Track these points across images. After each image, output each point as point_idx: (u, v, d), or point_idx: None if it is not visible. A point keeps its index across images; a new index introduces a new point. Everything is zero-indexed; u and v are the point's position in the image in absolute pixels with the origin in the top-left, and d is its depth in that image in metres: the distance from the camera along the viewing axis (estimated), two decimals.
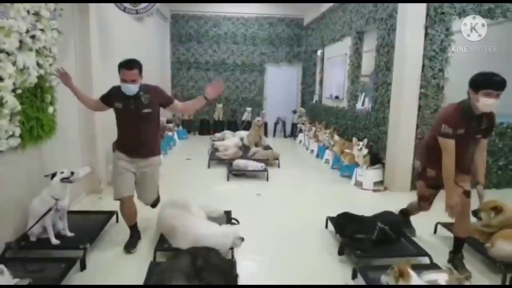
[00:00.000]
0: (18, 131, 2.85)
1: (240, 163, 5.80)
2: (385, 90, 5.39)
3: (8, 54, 2.64)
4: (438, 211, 3.06)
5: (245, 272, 2.74)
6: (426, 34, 4.73)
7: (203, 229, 2.95)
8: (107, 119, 3.08)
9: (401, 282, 2.09)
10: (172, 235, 2.98)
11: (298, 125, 9.33)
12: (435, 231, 3.58)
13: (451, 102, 2.82)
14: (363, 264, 2.74)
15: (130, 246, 3.10)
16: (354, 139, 5.43)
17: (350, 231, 3.08)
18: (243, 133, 8.11)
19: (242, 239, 2.94)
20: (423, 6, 4.69)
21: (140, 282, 2.47)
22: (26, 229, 2.80)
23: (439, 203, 2.92)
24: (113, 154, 3.21)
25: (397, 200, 4.29)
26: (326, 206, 4.13)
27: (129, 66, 2.83)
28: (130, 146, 3.04)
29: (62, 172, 2.87)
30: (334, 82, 8.17)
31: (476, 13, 4.64)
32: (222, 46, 10.40)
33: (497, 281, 2.70)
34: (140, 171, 3.08)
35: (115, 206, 3.20)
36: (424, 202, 3.20)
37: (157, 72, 8.71)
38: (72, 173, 2.90)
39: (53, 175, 2.87)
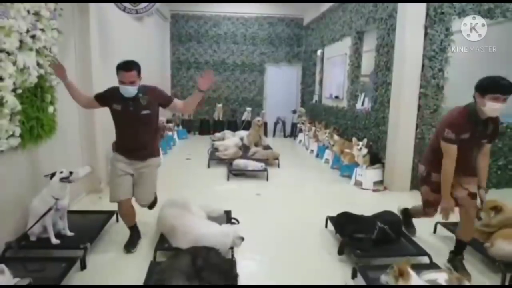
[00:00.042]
0: (18, 131, 2.85)
1: (240, 163, 5.80)
2: (385, 90, 5.40)
3: (8, 53, 2.65)
4: (437, 211, 3.06)
5: (245, 271, 2.74)
6: (426, 34, 4.73)
7: (203, 229, 2.96)
8: (107, 119, 3.07)
9: (400, 282, 2.09)
10: (172, 234, 2.98)
11: (298, 125, 9.34)
12: (434, 231, 3.58)
13: (457, 105, 2.75)
14: (362, 264, 2.74)
15: (130, 245, 3.10)
16: (354, 139, 5.44)
17: (350, 230, 3.08)
18: (243, 133, 8.11)
19: (242, 239, 2.94)
20: (423, 6, 4.69)
21: (140, 281, 2.47)
22: (26, 228, 2.81)
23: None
24: (111, 155, 3.18)
25: (396, 199, 4.30)
26: (326, 206, 4.14)
27: (128, 67, 2.78)
28: (129, 148, 3.00)
29: (61, 172, 2.87)
30: (334, 82, 8.18)
31: (475, 13, 4.64)
32: (222, 46, 10.40)
33: (496, 280, 2.71)
34: (138, 171, 3.05)
35: (115, 205, 3.20)
36: (430, 208, 3.11)
37: (157, 72, 8.71)
38: (71, 172, 2.89)
39: (52, 175, 2.87)
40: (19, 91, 2.82)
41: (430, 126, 4.88)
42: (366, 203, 4.48)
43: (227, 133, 8.39)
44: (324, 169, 6.46)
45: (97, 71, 4.42)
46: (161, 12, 9.00)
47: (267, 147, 7.36)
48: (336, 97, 7.89)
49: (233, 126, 9.85)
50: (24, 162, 3.11)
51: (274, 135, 10.28)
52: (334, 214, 3.48)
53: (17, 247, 2.73)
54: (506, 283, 2.62)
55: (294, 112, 10.12)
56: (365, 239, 2.97)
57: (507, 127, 5.07)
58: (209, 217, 3.41)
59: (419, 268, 2.42)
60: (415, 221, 3.55)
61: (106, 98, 2.97)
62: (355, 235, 3.02)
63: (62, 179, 2.86)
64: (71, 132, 4.13)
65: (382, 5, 5.54)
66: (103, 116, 2.99)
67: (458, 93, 5.03)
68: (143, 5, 6.08)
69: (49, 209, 2.78)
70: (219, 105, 10.13)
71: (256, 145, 7.35)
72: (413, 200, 3.66)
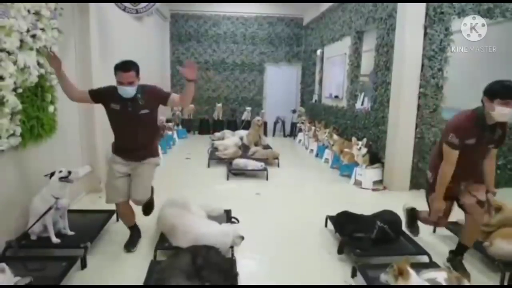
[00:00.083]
0: (18, 130, 2.86)
1: (240, 162, 5.81)
2: (384, 89, 5.40)
3: (9, 53, 2.64)
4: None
5: (245, 270, 2.75)
6: (426, 33, 4.74)
7: (203, 228, 2.96)
8: (108, 118, 3.06)
9: (400, 281, 2.10)
10: (172, 233, 2.99)
11: (298, 125, 9.34)
12: (434, 230, 3.59)
13: (464, 109, 2.67)
14: (362, 263, 2.75)
15: (131, 245, 3.11)
16: (354, 139, 5.45)
17: (349, 230, 3.09)
18: (242, 133, 8.12)
19: (242, 238, 2.95)
20: (422, 6, 4.70)
21: (141, 280, 2.47)
22: (27, 227, 2.81)
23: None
24: (109, 156, 3.14)
25: (396, 199, 4.31)
26: (326, 205, 4.15)
27: (126, 68, 2.73)
28: (128, 149, 2.96)
29: (60, 171, 2.87)
30: (333, 81, 8.18)
31: (475, 13, 4.65)
32: (222, 46, 10.40)
33: (496, 279, 2.72)
34: (135, 169, 3.00)
35: (114, 205, 3.20)
36: (442, 218, 2.96)
37: (156, 72, 8.72)
38: (70, 172, 2.89)
39: (52, 174, 2.87)
40: (20, 90, 2.82)
41: (430, 126, 4.90)
42: (366, 203, 4.49)
43: (227, 132, 8.40)
44: (323, 169, 6.47)
45: (97, 70, 4.42)
46: (161, 12, 9.01)
47: (266, 147, 7.37)
48: (336, 96, 7.89)
49: (233, 125, 9.85)
50: (24, 161, 3.11)
51: (273, 134, 10.29)
52: (333, 213, 3.48)
53: (17, 246, 2.73)
54: (505, 282, 2.63)
55: (294, 111, 10.12)
56: (365, 238, 2.98)
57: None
58: (209, 216, 3.41)
59: (418, 267, 2.43)
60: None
61: (102, 96, 2.90)
62: (355, 234, 3.03)
63: (61, 179, 2.86)
64: (71, 131, 4.14)
65: (381, 5, 5.55)
66: (103, 116, 2.98)
67: (457, 93, 5.08)
68: (143, 4, 6.10)
69: (49, 208, 2.78)
70: (219, 105, 10.13)
71: (256, 144, 7.36)
72: (413, 199, 3.66)
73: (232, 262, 2.72)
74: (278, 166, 6.37)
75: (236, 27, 10.34)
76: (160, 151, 6.14)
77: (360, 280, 2.60)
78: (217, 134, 8.44)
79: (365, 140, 5.32)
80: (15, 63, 2.70)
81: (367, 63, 6.84)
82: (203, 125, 10.24)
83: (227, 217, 3.59)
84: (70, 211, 3.20)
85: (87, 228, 3.18)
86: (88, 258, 2.81)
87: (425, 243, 3.20)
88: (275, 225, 3.77)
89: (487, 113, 2.48)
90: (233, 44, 10.41)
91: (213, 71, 10.49)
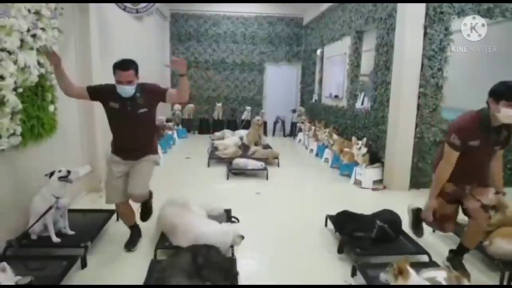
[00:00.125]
0: (19, 130, 2.86)
1: (240, 162, 5.81)
2: (384, 89, 5.41)
3: (9, 53, 2.65)
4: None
5: (245, 270, 2.76)
6: (425, 33, 4.74)
7: (203, 227, 2.97)
8: (106, 117, 3.05)
9: (400, 280, 2.10)
10: (172, 233, 3.00)
11: (298, 124, 9.35)
12: (434, 230, 3.59)
13: (470, 110, 2.62)
14: (362, 262, 2.76)
15: (131, 244, 3.11)
16: (354, 138, 5.45)
17: (349, 229, 3.10)
18: (242, 132, 8.13)
19: (242, 237, 2.96)
20: (422, 6, 4.71)
21: (141, 280, 2.48)
22: (27, 227, 2.81)
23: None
24: (108, 155, 3.12)
25: (396, 198, 4.32)
26: (326, 205, 4.15)
27: (125, 66, 2.70)
28: (127, 148, 2.94)
29: (59, 171, 2.88)
30: (333, 81, 8.19)
31: (475, 12, 4.66)
32: (222, 45, 10.40)
33: (495, 279, 2.72)
34: (134, 167, 2.97)
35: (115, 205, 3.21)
36: (448, 223, 2.91)
37: (156, 71, 8.72)
38: (69, 172, 2.90)
39: (51, 173, 2.88)
40: (20, 90, 2.83)
41: (429, 125, 4.90)
42: (366, 202, 4.50)
43: (227, 132, 8.40)
44: (323, 168, 6.47)
45: (97, 70, 4.43)
46: (161, 12, 9.01)
47: (266, 146, 7.37)
48: (336, 96, 7.90)
49: (233, 125, 9.86)
50: (24, 160, 3.12)
51: (273, 134, 10.30)
52: (333, 213, 3.49)
53: (18, 246, 2.73)
54: (505, 282, 2.64)
55: (294, 111, 10.12)
56: (365, 238, 2.99)
57: None
58: (209, 215, 3.42)
59: (418, 266, 2.43)
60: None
61: (100, 94, 2.87)
62: (355, 233, 3.04)
63: (60, 178, 2.86)
64: (71, 131, 4.14)
65: (381, 4, 5.55)
66: (104, 116, 2.98)
67: (457, 92, 5.09)
68: (143, 4, 6.11)
69: (50, 208, 2.79)
70: (219, 104, 10.14)
71: (256, 144, 7.36)
72: (413, 199, 3.66)
73: (232, 261, 2.72)
74: (278, 165, 6.38)
75: (236, 26, 10.34)
76: (160, 151, 6.17)
77: (360, 279, 2.61)
78: (217, 133, 8.44)
79: (365, 139, 5.33)
80: (15, 62, 2.71)
81: (367, 62, 6.85)
82: (203, 125, 10.25)
83: (227, 216, 3.59)
84: (70, 211, 3.20)
85: (88, 227, 3.19)
86: (88, 258, 2.82)
87: (424, 242, 3.20)
88: (275, 225, 3.77)
89: (492, 114, 2.43)
90: (233, 43, 10.41)
91: (213, 70, 10.49)
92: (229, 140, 7.40)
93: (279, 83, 10.83)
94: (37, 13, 3.01)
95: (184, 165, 6.48)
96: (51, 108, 3.36)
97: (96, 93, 2.89)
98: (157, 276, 2.42)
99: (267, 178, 5.52)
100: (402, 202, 3.66)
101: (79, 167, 4.20)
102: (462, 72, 5.40)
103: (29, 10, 2.87)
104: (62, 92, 2.90)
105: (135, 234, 3.22)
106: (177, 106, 9.32)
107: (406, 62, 4.81)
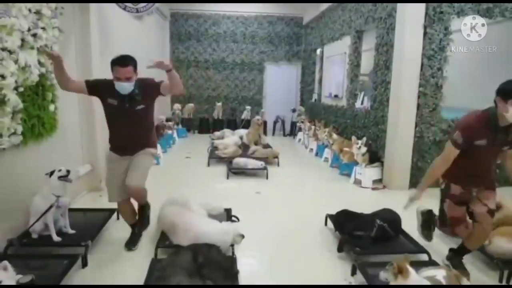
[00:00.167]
0: (20, 129, 2.87)
1: (240, 161, 5.82)
2: (384, 89, 5.41)
3: (10, 52, 2.66)
4: (436, 209, 3.08)
5: (245, 268, 2.76)
6: (425, 33, 4.75)
7: (204, 226, 2.98)
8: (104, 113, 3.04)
9: (399, 278, 2.11)
10: (173, 232, 3.00)
11: (297, 124, 9.36)
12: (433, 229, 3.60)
13: (475, 109, 2.55)
14: (362, 261, 2.77)
15: (131, 243, 3.12)
16: (353, 138, 5.46)
17: (349, 228, 3.11)
18: (242, 132, 8.14)
19: (242, 236, 2.97)
20: (422, 6, 4.71)
21: (142, 278, 2.48)
22: (28, 226, 2.82)
23: (435, 201, 2.93)
24: (106, 154, 3.12)
25: (395, 198, 4.31)
26: (326, 204, 4.16)
27: (123, 63, 2.66)
28: (125, 145, 2.93)
29: (59, 170, 2.88)
30: (333, 80, 8.19)
31: (474, 12, 4.67)
32: (222, 45, 10.40)
33: (495, 278, 2.73)
34: (132, 160, 2.94)
35: (115, 203, 3.21)
36: (459, 226, 2.78)
37: (156, 71, 8.67)
38: (68, 171, 2.90)
39: (52, 173, 2.88)
40: (21, 89, 2.84)
41: (429, 125, 4.91)
42: (365, 201, 4.51)
43: (227, 131, 8.41)
44: (323, 168, 6.48)
45: (97, 69, 4.42)
46: (161, 11, 9.01)
47: (266, 146, 7.38)
48: (336, 96, 7.90)
49: (233, 124, 9.86)
50: (25, 160, 3.12)
51: (273, 133, 10.31)
52: (333, 212, 3.50)
53: (18, 245, 2.74)
54: (504, 281, 2.65)
55: (294, 111, 10.13)
56: (364, 237, 3.00)
57: None
58: (210, 215, 3.43)
59: (418, 265, 2.44)
60: (413, 218, 3.54)
61: (99, 89, 2.84)
62: (355, 232, 3.05)
63: (60, 178, 2.87)
64: (71, 130, 4.14)
65: (381, 4, 5.55)
66: (104, 115, 2.98)
67: (457, 92, 5.09)
68: (143, 4, 6.12)
69: (50, 207, 2.79)
70: (219, 104, 10.14)
71: (256, 143, 7.37)
72: None
73: (232, 260, 2.73)
74: (278, 165, 6.39)
75: (236, 26, 10.34)
76: (160, 150, 6.18)
77: (360, 278, 2.62)
78: (217, 133, 8.45)
79: (364, 139, 5.33)
80: (16, 62, 2.72)
81: (367, 62, 6.85)
82: (203, 124, 10.25)
83: (227, 215, 3.60)
84: (71, 210, 3.21)
85: (88, 226, 3.19)
86: (89, 257, 2.82)
87: (424, 241, 3.20)
88: (275, 224, 3.78)
89: (500, 114, 2.35)
90: (233, 43, 10.41)
91: (213, 70, 10.49)
92: (229, 139, 7.40)
93: (279, 82, 10.83)
94: (38, 12, 3.02)
95: (184, 164, 6.49)
96: (52, 107, 3.36)
97: (95, 87, 2.85)
98: (157, 275, 2.42)
99: (267, 178, 5.53)
100: (402, 201, 3.65)
101: (79, 166, 4.23)
102: (461, 72, 5.41)
103: (29, 10, 2.88)
104: (60, 88, 2.87)
105: (136, 233, 3.22)
106: (177, 106, 9.33)
107: (406, 62, 4.81)
